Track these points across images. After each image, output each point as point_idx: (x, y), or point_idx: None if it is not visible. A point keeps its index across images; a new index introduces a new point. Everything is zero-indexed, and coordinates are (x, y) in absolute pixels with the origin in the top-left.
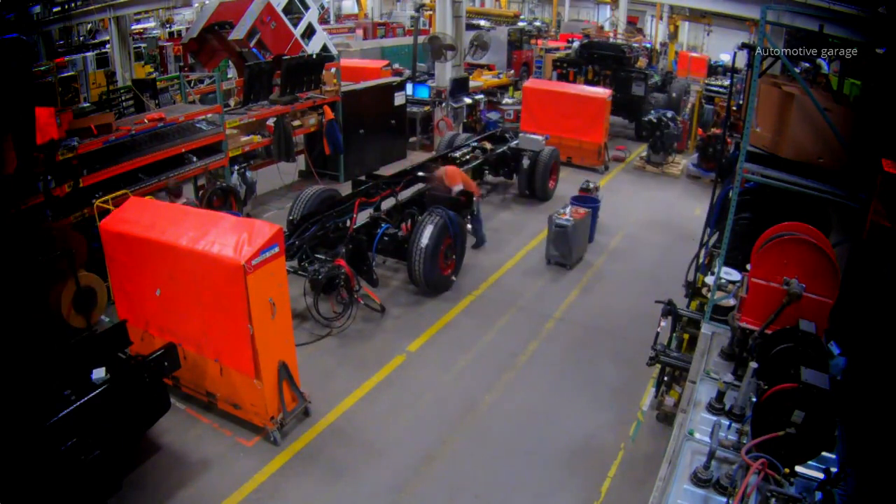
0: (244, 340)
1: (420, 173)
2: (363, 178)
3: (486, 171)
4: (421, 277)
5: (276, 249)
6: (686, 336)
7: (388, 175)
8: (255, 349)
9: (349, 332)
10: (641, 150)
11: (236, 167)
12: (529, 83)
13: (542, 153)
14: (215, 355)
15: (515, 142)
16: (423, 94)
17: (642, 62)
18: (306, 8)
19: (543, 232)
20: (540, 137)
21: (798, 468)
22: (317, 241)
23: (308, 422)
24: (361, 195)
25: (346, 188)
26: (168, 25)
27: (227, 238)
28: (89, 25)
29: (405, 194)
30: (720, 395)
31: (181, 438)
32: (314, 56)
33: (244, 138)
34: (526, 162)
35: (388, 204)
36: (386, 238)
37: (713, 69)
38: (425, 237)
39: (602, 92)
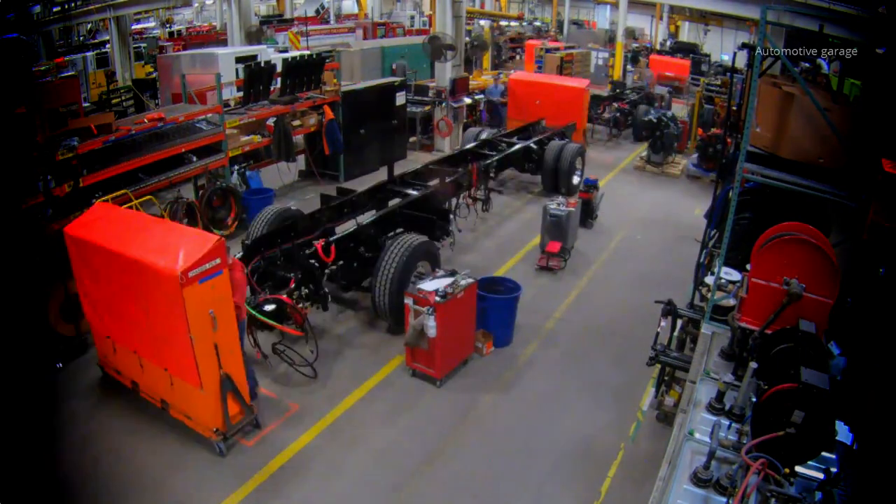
0: (186, 351)
1: (396, 188)
2: (334, 193)
3: (492, 170)
4: (387, 311)
5: (218, 262)
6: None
7: (358, 191)
8: (196, 360)
9: (347, 332)
10: (641, 149)
11: (236, 167)
12: (515, 75)
13: (566, 148)
14: (164, 365)
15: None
16: None
17: None
18: None
19: None
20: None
21: (798, 468)
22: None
23: (308, 422)
24: (325, 230)
25: (346, 187)
26: (168, 25)
27: (167, 249)
28: (89, 25)
29: (367, 217)
30: (720, 395)
31: (181, 438)
32: (314, 56)
33: (244, 138)
34: (550, 158)
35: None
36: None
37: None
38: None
39: (581, 82)
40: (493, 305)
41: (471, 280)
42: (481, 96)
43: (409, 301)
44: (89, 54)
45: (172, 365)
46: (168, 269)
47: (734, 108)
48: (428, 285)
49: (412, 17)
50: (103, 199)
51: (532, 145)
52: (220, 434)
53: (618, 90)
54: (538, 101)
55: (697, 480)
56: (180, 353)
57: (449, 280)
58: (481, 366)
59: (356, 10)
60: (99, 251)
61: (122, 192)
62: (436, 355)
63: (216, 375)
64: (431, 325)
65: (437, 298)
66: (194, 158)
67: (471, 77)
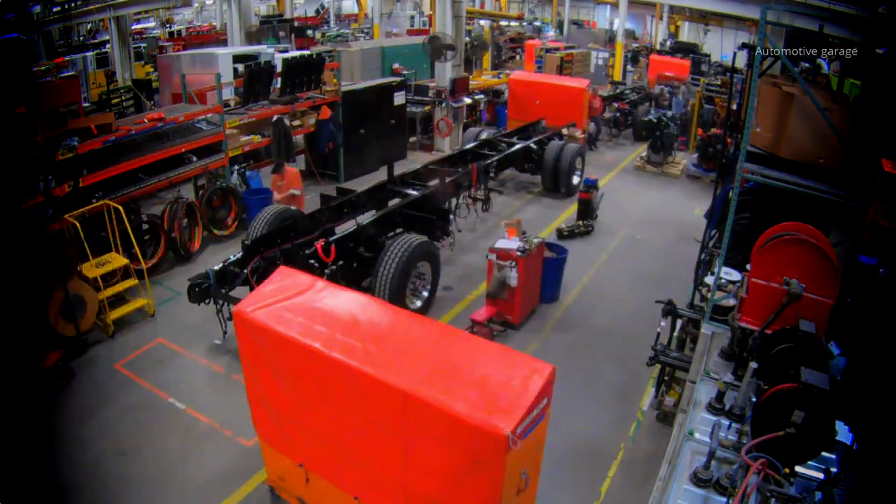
0: None
1: (396, 188)
2: (335, 194)
3: (492, 170)
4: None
5: (545, 402)
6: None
7: (358, 191)
8: None
9: None
10: (641, 149)
11: (236, 167)
12: (515, 75)
13: (566, 149)
14: None
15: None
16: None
17: None
18: None
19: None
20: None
21: (798, 468)
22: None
23: None
24: (325, 230)
25: (346, 187)
26: (168, 25)
27: (462, 380)
28: (89, 25)
29: (367, 217)
30: (720, 395)
31: (183, 438)
32: (314, 56)
33: (244, 138)
34: (550, 158)
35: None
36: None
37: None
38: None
39: (581, 82)
40: (546, 265)
41: (540, 239)
42: (481, 96)
43: (492, 257)
44: (89, 54)
45: None
46: (487, 425)
47: (734, 108)
48: (504, 244)
49: (412, 17)
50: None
51: (532, 145)
52: None
53: (619, 90)
54: (538, 102)
55: (697, 480)
56: None
57: (521, 239)
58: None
59: (356, 10)
60: (313, 356)
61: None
62: (516, 302)
63: None
64: (514, 276)
65: (519, 253)
66: (194, 158)
67: (471, 77)
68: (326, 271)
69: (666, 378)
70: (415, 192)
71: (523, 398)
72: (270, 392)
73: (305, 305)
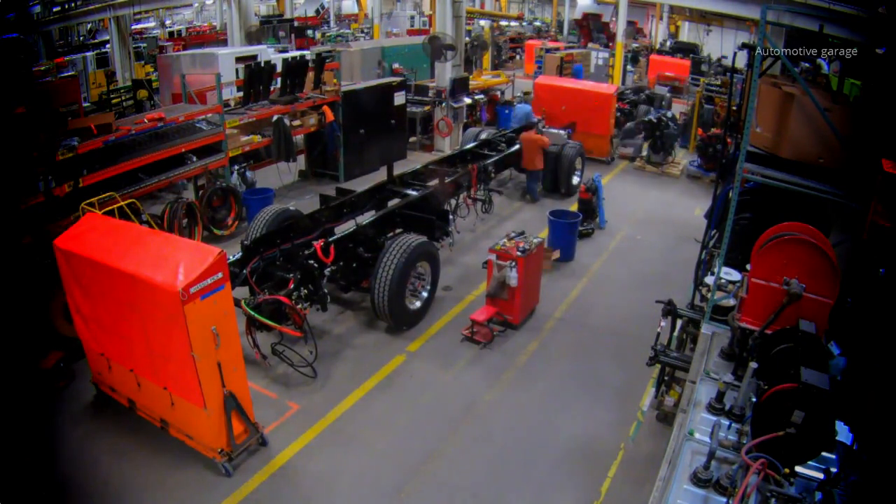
0: (189, 370)
1: (394, 188)
2: (333, 194)
3: (492, 171)
4: (386, 312)
5: (220, 276)
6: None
7: (358, 192)
8: (199, 379)
9: (346, 333)
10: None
11: (236, 167)
12: (540, 79)
13: (566, 148)
14: (164, 383)
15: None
16: None
17: None
18: None
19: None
20: (562, 132)
21: (798, 468)
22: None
23: (308, 422)
24: (324, 231)
25: (345, 187)
26: (167, 26)
27: (166, 263)
28: (89, 25)
29: (367, 217)
30: (720, 395)
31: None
32: (314, 56)
33: (244, 138)
34: (550, 158)
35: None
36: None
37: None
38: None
39: (608, 88)
40: (561, 226)
41: (540, 239)
42: (481, 96)
43: (492, 257)
44: (89, 54)
45: (173, 384)
46: (168, 285)
47: (734, 108)
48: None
49: (412, 17)
50: (88, 201)
51: None
52: (226, 455)
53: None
54: (564, 107)
55: (697, 480)
56: (181, 371)
57: (521, 238)
58: (481, 364)
59: (356, 10)
60: (91, 265)
61: (108, 193)
62: (516, 302)
63: (220, 394)
64: (514, 276)
65: (519, 253)
66: (194, 158)
67: (471, 77)
68: (326, 272)
69: (666, 378)
70: (414, 193)
71: (195, 269)
72: (79, 301)
73: (93, 236)
